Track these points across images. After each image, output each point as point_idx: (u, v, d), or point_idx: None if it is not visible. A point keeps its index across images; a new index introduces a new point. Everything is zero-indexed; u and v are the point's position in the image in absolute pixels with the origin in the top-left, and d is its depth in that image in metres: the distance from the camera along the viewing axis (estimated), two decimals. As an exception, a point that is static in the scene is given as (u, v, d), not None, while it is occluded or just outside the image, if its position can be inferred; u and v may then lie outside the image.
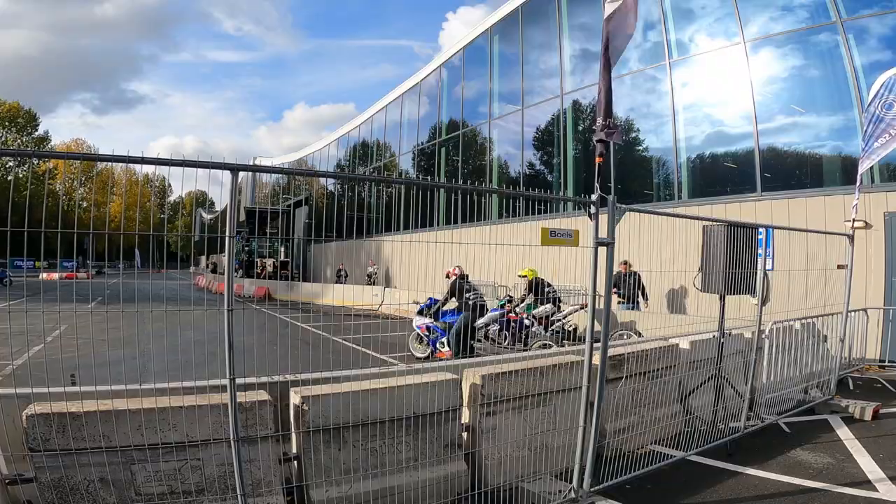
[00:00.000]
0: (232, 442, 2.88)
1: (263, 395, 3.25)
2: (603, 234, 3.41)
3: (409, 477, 3.55)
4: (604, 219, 3.44)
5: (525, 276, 9.19)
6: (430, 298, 9.25)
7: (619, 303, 10.41)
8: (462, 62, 22.20)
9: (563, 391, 4.24)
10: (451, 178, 22.28)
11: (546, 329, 8.58)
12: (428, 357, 8.80)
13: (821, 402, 6.22)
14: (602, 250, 3.40)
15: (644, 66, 13.83)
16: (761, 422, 5.40)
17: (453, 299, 8.74)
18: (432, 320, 8.99)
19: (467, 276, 8.89)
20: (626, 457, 4.09)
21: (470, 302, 8.30)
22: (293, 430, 3.40)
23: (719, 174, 12.31)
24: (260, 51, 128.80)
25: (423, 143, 25.03)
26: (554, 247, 3.70)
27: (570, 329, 8.84)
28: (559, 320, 8.73)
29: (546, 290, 8.71)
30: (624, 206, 3.47)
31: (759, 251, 4.92)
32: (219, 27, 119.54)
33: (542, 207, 14.10)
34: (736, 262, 4.64)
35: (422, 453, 3.64)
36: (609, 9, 3.59)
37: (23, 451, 2.79)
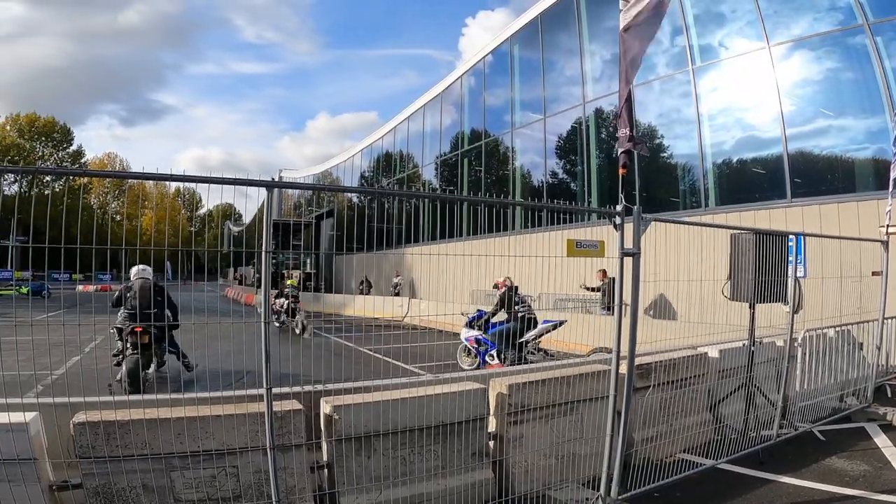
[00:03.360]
0: (268, 450, 2.96)
1: (296, 405, 3.33)
2: (629, 244, 3.42)
3: (436, 485, 3.60)
4: (629, 229, 3.45)
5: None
6: (479, 310, 9.13)
7: (601, 308, 11.24)
8: (483, 72, 22.34)
9: (590, 400, 4.25)
10: (474, 188, 22.36)
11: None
12: (477, 368, 8.55)
13: (857, 410, 6.08)
14: (628, 261, 3.41)
15: (670, 71, 13.74)
16: (794, 430, 5.32)
17: (502, 311, 8.58)
18: (482, 332, 8.76)
19: (517, 287, 8.72)
20: (655, 465, 4.06)
21: (520, 314, 8.20)
22: (324, 438, 3.47)
23: (747, 180, 12.13)
24: (282, 61, 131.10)
25: (445, 154, 25.18)
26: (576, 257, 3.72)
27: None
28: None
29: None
30: (649, 216, 3.48)
31: (790, 259, 4.86)
32: (240, 35, 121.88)
33: (567, 217, 14.10)
34: (766, 270, 4.59)
35: (449, 462, 3.68)
36: (624, 20, 3.63)
37: (71, 458, 2.90)
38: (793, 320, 5.11)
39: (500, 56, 21.16)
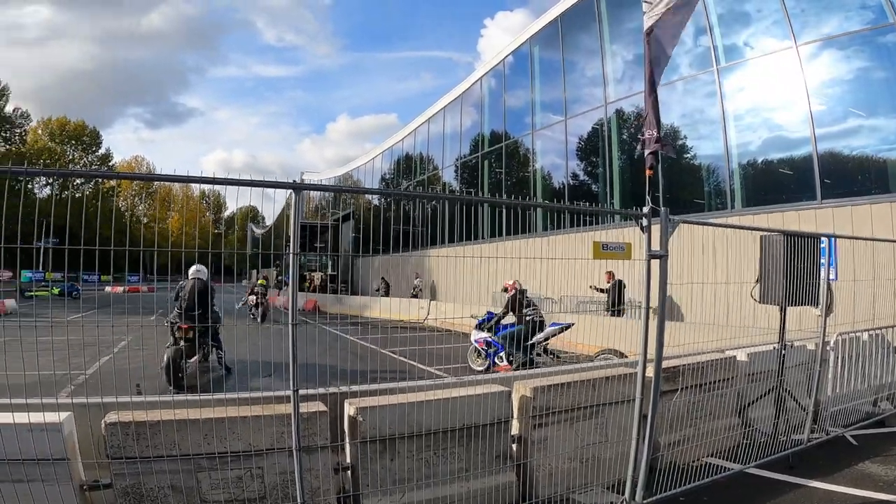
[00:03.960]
0: (294, 451, 2.97)
1: (321, 407, 3.34)
2: (656, 246, 3.37)
3: (459, 487, 3.59)
4: (656, 230, 3.40)
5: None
6: (489, 313, 9.24)
7: (608, 311, 11.20)
8: (503, 73, 22.28)
9: (615, 403, 4.21)
10: (494, 190, 22.31)
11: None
12: (486, 371, 8.68)
13: (892, 415, 5.94)
14: (655, 263, 3.36)
15: (694, 71, 13.55)
16: (826, 434, 5.20)
17: (511, 313, 8.68)
18: (491, 335, 8.91)
19: (526, 290, 8.85)
20: (681, 469, 4.01)
21: (527, 318, 8.33)
22: (347, 440, 3.48)
23: (775, 181, 11.89)
24: (302, 64, 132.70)
25: (465, 156, 25.18)
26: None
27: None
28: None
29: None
30: (677, 217, 3.42)
31: (822, 261, 4.74)
32: (260, 37, 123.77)
33: (589, 220, 13.98)
34: (796, 272, 4.48)
35: (472, 464, 3.67)
36: (648, 21, 3.58)
37: (102, 458, 2.94)
38: (825, 323, 4.99)
39: (521, 57, 21.09)
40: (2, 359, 2.68)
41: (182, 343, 7.26)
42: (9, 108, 55.47)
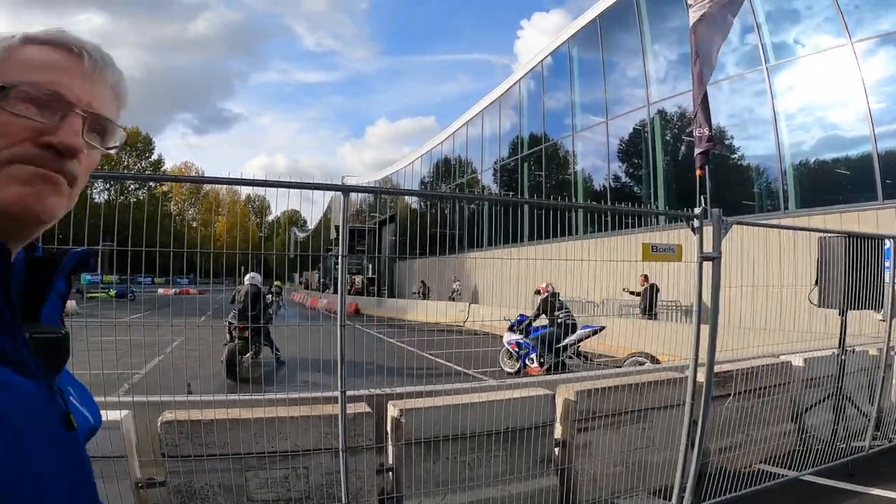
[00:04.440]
0: (340, 452, 3.00)
1: (365, 408, 3.37)
2: (708, 248, 3.27)
3: (500, 491, 3.57)
4: (708, 232, 3.29)
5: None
6: (521, 315, 9.27)
7: (640, 310, 11.41)
8: (541, 75, 22.12)
9: (662, 408, 4.13)
10: (534, 192, 22.15)
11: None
12: (518, 372, 8.79)
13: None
14: (707, 265, 3.25)
15: (741, 70, 13.12)
16: (889, 442, 5.01)
17: (543, 316, 8.79)
18: (523, 336, 8.98)
19: (558, 293, 8.94)
20: (731, 475, 3.90)
21: (558, 320, 8.42)
22: (390, 441, 3.50)
23: (831, 181, 11.41)
24: (340, 69, 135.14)
25: (504, 159, 25.08)
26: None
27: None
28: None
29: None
30: (731, 218, 3.31)
31: (887, 263, 4.50)
32: (300, 43, 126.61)
33: (632, 221, 13.73)
34: (858, 275, 4.27)
35: (514, 467, 3.65)
36: (694, 17, 3.48)
37: (156, 456, 3.03)
38: (889, 328, 4.74)
39: (559, 59, 20.90)
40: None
41: (237, 341, 8.10)
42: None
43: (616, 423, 4.02)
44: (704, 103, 3.40)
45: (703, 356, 3.53)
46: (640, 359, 7.65)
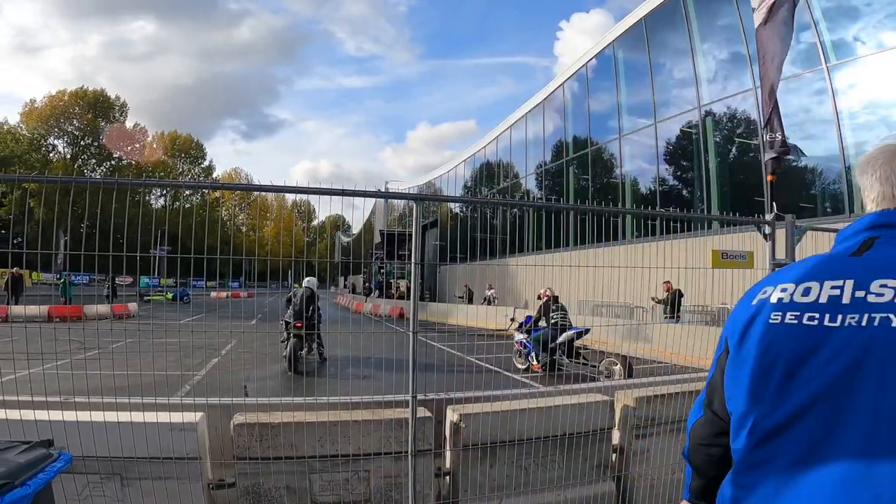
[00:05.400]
0: (409, 456, 3.04)
1: (426, 412, 3.40)
2: (780, 254, 3.17)
3: (556, 496, 3.54)
4: (780, 238, 3.20)
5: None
6: (528, 317, 9.97)
7: (666, 317, 11.73)
8: (586, 78, 21.87)
9: None
10: (579, 196, 21.90)
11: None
12: (527, 369, 9.46)
13: None
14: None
15: (798, 70, 12.65)
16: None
17: (543, 318, 9.46)
18: (527, 337, 9.58)
19: (557, 296, 9.58)
20: None
21: (552, 322, 9.07)
22: (448, 446, 3.51)
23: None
24: (381, 74, 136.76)
25: (548, 163, 24.89)
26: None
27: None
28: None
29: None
30: (804, 224, 3.20)
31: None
32: (341, 48, 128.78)
33: (680, 227, 13.39)
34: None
35: (571, 473, 3.61)
36: (758, 18, 3.39)
37: (227, 458, 3.10)
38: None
39: (604, 61, 20.63)
40: (131, 359, 2.86)
41: (293, 338, 8.79)
42: (128, 124, 61.04)
43: (677, 429, 3.94)
44: (775, 107, 3.30)
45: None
46: (612, 360, 8.36)
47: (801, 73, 12.61)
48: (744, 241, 4.35)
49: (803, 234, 3.21)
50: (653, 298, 11.99)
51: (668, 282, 11.93)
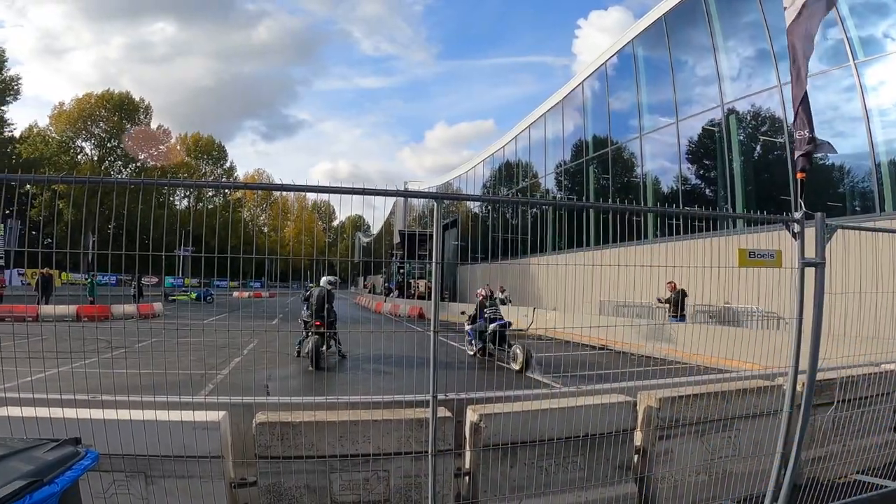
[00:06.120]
0: (430, 456, 3.03)
1: (446, 412, 3.39)
2: (810, 253, 3.10)
3: (577, 497, 3.52)
4: (810, 237, 3.12)
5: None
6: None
7: (671, 316, 12.26)
8: (605, 76, 21.68)
9: (749, 416, 3.99)
10: (599, 196, 21.74)
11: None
12: (475, 355, 11.00)
13: None
14: (809, 272, 3.08)
15: (825, 67, 12.37)
16: None
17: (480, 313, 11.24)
18: (471, 327, 11.34)
19: (492, 293, 11.44)
20: (825, 486, 3.72)
21: (485, 316, 10.94)
22: (468, 446, 3.50)
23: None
24: (398, 74, 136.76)
25: (567, 162, 24.72)
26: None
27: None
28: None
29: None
30: (834, 222, 3.12)
31: None
32: (358, 48, 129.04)
33: (702, 226, 13.20)
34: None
35: (592, 474, 3.58)
36: (790, 16, 3.33)
37: (249, 457, 3.13)
38: None
39: (624, 59, 20.43)
40: (156, 358, 2.88)
41: (313, 336, 9.12)
42: (153, 126, 62.12)
43: (700, 430, 3.90)
44: (805, 104, 3.22)
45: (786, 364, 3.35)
46: (518, 347, 9.63)
47: (829, 69, 12.33)
48: (769, 241, 4.27)
49: (834, 233, 3.13)
50: (658, 299, 12.57)
51: (672, 282, 12.23)
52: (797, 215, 3.11)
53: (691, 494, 3.76)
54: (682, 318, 12.25)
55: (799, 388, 3.42)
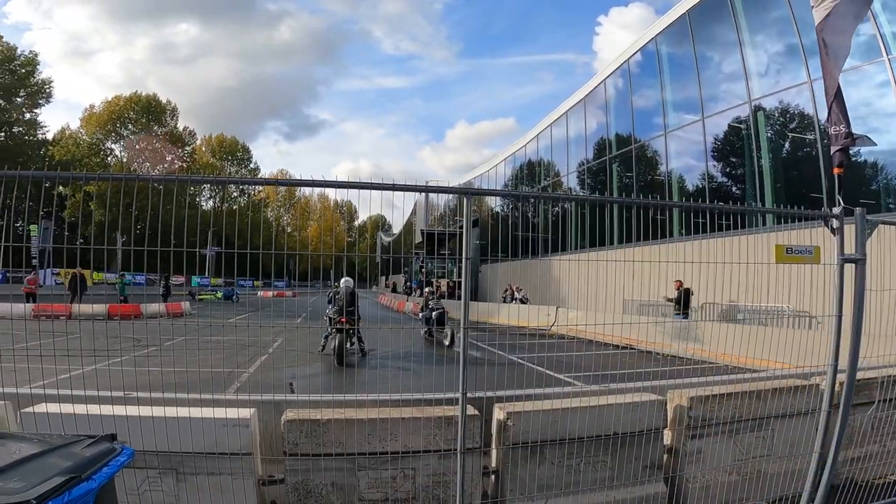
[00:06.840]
0: (458, 453, 3.02)
1: (473, 410, 3.38)
2: (849, 249, 3.02)
3: (605, 496, 3.48)
4: (849, 233, 3.04)
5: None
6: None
7: (675, 314, 12.66)
8: (628, 73, 21.42)
9: (784, 416, 3.89)
10: (622, 194, 21.53)
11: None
12: (423, 335, 13.03)
13: None
14: (849, 268, 3.00)
15: (857, 62, 12.05)
16: None
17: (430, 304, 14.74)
18: (422, 314, 14.64)
19: (438, 289, 14.59)
20: (861, 487, 3.67)
21: (429, 305, 14.62)
22: (494, 444, 3.48)
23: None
24: (419, 73, 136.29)
25: (590, 160, 24.50)
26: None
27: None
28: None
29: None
30: (875, 218, 3.03)
31: None
32: (379, 47, 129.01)
33: (729, 223, 12.98)
34: None
35: (620, 473, 3.54)
36: (819, 15, 3.25)
37: (278, 454, 3.14)
38: None
39: (647, 56, 20.18)
40: (185, 356, 2.90)
41: (338, 333, 9.45)
42: (179, 127, 63.20)
43: (732, 430, 3.82)
44: (839, 99, 3.14)
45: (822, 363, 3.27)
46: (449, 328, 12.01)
47: (861, 65, 12.01)
48: (800, 238, 4.16)
49: (874, 229, 3.04)
50: (666, 297, 12.78)
51: (679, 281, 12.55)
52: (836, 210, 3.04)
53: (723, 495, 3.70)
54: (686, 316, 12.62)
55: (837, 387, 3.34)
